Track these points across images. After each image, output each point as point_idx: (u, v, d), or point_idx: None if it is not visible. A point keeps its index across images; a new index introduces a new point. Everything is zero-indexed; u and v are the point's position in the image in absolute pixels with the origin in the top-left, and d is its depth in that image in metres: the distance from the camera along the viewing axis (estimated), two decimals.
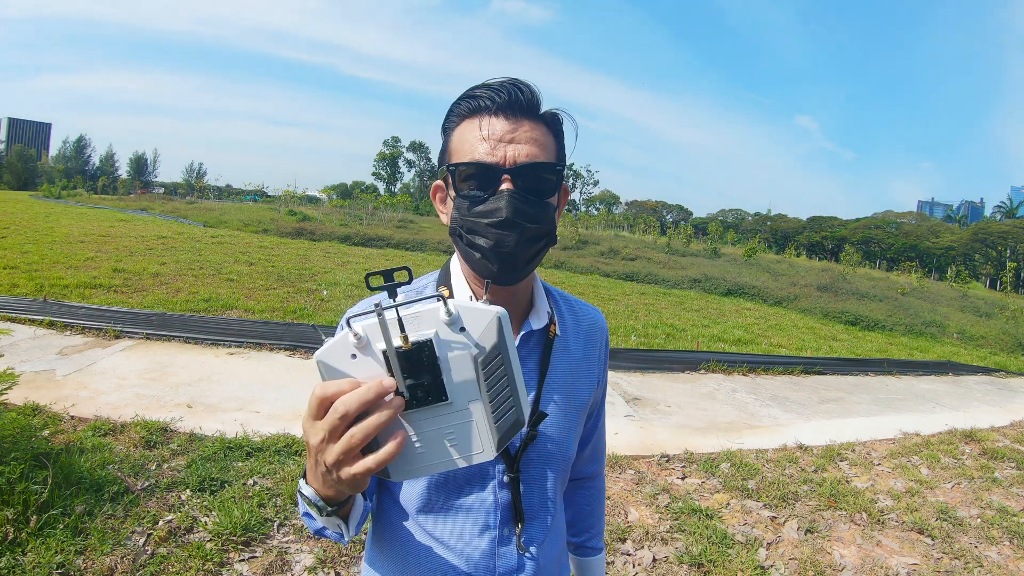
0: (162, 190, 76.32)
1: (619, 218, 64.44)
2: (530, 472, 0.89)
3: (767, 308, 14.75)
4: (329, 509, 0.66)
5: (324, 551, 2.62)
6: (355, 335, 0.52)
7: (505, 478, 0.87)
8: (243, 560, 2.50)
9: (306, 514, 0.74)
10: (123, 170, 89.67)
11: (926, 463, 4.67)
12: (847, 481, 4.13)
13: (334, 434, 0.54)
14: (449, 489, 0.86)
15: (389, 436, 0.54)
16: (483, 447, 0.57)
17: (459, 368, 0.53)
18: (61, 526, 2.49)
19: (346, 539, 0.73)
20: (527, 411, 0.58)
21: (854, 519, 3.55)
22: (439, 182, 0.89)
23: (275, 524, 2.78)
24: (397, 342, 0.51)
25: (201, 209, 26.76)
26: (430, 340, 0.52)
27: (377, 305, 0.50)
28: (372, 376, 0.53)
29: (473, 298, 0.89)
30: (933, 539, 3.40)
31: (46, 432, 3.23)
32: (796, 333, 11.00)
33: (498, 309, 0.54)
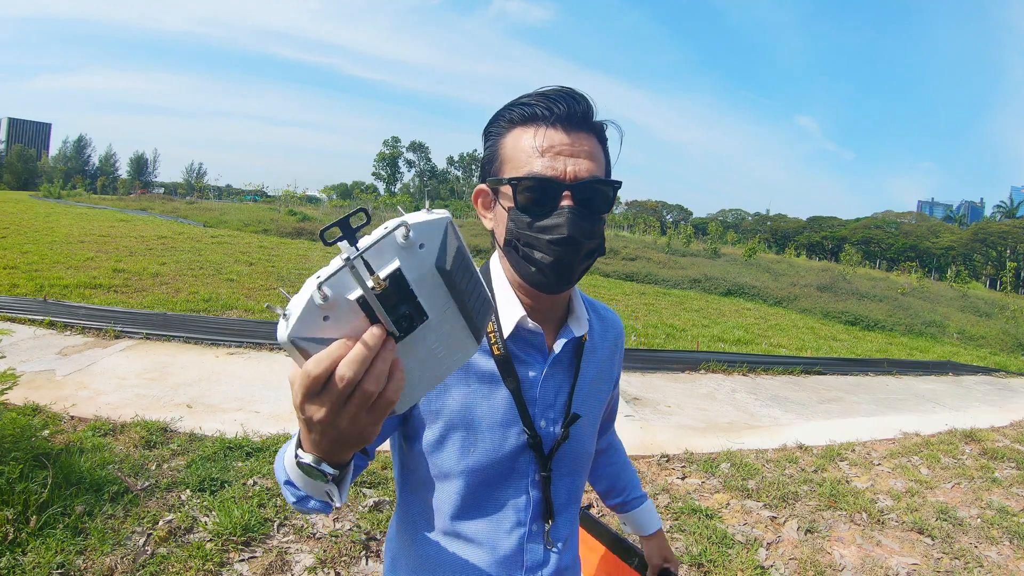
0: (162, 190, 76.34)
1: (619, 218, 64.45)
2: (560, 469, 0.91)
3: (767, 308, 14.75)
4: (335, 473, 0.63)
5: (324, 551, 2.62)
6: (323, 296, 0.49)
7: (537, 476, 0.89)
8: (243, 560, 2.50)
9: (288, 483, 0.71)
10: (123, 170, 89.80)
11: (926, 463, 4.67)
12: (847, 481, 4.13)
13: (341, 399, 0.52)
14: (485, 490, 0.88)
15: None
16: (466, 344, 0.58)
17: (428, 284, 0.52)
18: (61, 526, 2.49)
19: (333, 506, 0.69)
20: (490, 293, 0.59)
21: (854, 519, 3.55)
22: (484, 187, 0.87)
23: (275, 524, 2.78)
24: (371, 284, 0.49)
25: (201, 209, 26.76)
26: (399, 269, 0.50)
27: (347, 259, 0.48)
28: (352, 328, 0.51)
29: (496, 303, 0.89)
30: (933, 539, 3.40)
31: (46, 432, 3.23)
32: (796, 333, 11.00)
33: (444, 214, 0.52)
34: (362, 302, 0.50)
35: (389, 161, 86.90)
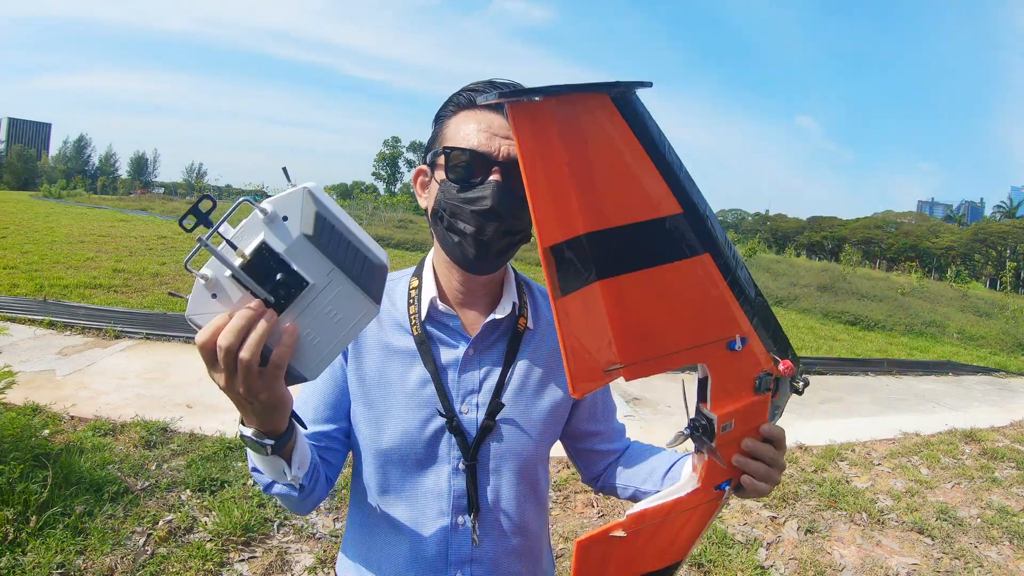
0: (162, 190, 76.29)
1: None
2: (488, 463, 0.89)
3: None
4: (272, 443, 0.68)
5: (324, 551, 2.62)
6: (203, 278, 0.55)
7: (460, 465, 0.87)
8: (243, 560, 2.50)
9: (254, 469, 0.79)
10: (123, 170, 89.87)
11: (926, 463, 4.67)
12: (847, 481, 4.13)
13: (230, 368, 0.58)
14: (403, 470, 0.88)
15: (278, 341, 0.59)
16: (364, 307, 0.61)
17: (301, 252, 0.55)
18: (61, 526, 2.49)
19: (288, 478, 0.74)
20: (382, 254, 0.62)
21: (854, 519, 3.55)
22: (423, 167, 0.90)
23: (275, 524, 2.78)
24: (237, 260, 0.54)
25: None
26: (263, 242, 0.54)
27: (199, 240, 0.53)
28: (238, 303, 0.57)
29: (421, 289, 0.92)
30: (933, 539, 3.40)
31: (46, 432, 3.23)
32: (796, 333, 11.00)
33: (304, 186, 0.56)
34: (234, 277, 0.55)
35: (389, 161, 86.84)
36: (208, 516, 2.76)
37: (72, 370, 4.57)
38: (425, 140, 0.92)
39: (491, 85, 0.83)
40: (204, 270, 0.56)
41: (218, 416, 3.97)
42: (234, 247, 0.54)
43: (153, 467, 3.16)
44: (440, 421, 0.87)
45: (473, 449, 0.87)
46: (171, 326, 5.90)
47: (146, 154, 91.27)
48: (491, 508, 0.90)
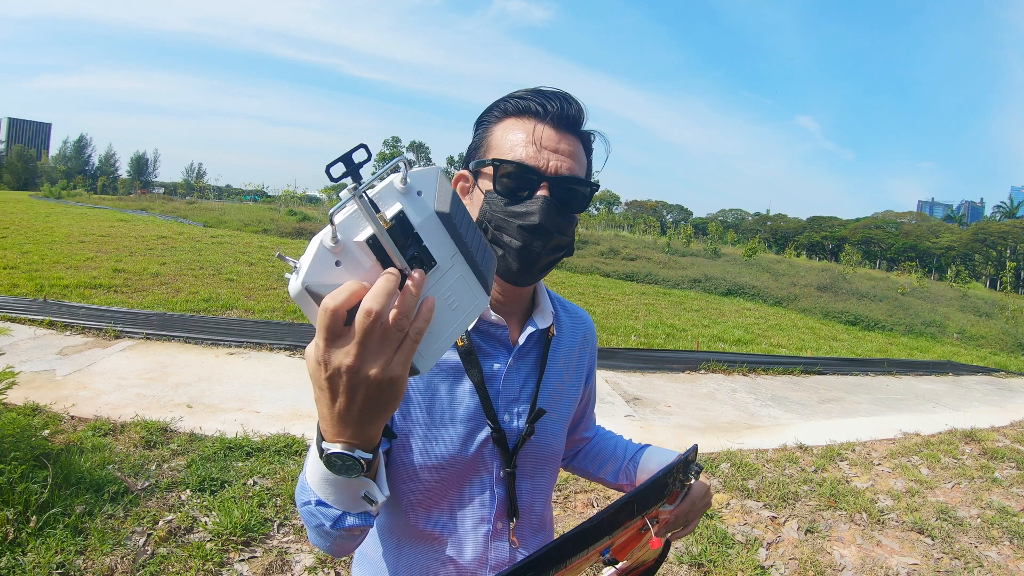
0: (162, 190, 76.35)
1: (619, 218, 64.49)
2: (525, 467, 0.91)
3: (767, 308, 14.74)
4: (370, 457, 0.57)
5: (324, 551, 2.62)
6: (334, 237, 0.49)
7: (502, 473, 0.88)
8: (243, 560, 2.50)
9: (320, 503, 0.64)
10: (123, 170, 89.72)
11: (926, 463, 4.67)
12: (847, 481, 4.13)
13: (368, 337, 0.48)
14: (448, 486, 0.87)
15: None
16: (476, 296, 0.57)
17: (431, 230, 0.52)
18: (61, 526, 2.49)
19: (376, 505, 0.62)
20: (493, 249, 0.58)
21: (854, 519, 3.55)
22: (465, 172, 0.87)
23: (275, 524, 2.78)
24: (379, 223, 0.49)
25: (201, 209, 26.75)
26: (402, 211, 0.50)
27: (355, 190, 0.47)
28: (365, 273, 0.50)
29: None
30: (933, 539, 3.40)
31: (46, 432, 3.23)
32: (796, 333, 11.00)
33: (436, 166, 0.54)
34: (372, 243, 0.49)
35: (389, 161, 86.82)
36: (208, 516, 2.75)
37: (72, 370, 4.57)
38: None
39: (538, 93, 0.82)
40: (335, 223, 0.49)
41: (218, 416, 3.97)
42: (377, 209, 0.49)
43: (153, 467, 3.16)
44: (486, 432, 0.86)
45: (514, 455, 0.88)
46: (171, 326, 5.90)
47: (146, 154, 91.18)
48: (527, 510, 0.92)
